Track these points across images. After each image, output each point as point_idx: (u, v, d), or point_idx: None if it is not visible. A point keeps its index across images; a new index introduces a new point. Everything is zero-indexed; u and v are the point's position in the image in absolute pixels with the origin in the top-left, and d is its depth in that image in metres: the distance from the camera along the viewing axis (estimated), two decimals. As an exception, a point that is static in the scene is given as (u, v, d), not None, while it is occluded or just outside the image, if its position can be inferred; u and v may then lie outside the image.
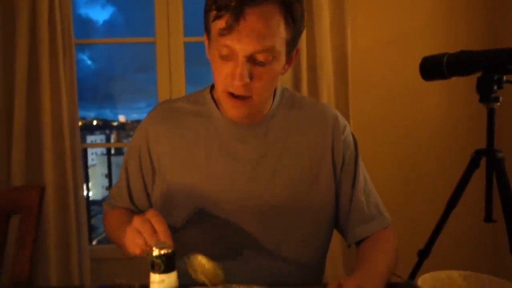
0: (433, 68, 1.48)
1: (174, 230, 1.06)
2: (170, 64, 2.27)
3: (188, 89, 2.33)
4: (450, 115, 2.24)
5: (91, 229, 4.74)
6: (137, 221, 0.82)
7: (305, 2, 1.12)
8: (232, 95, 0.93)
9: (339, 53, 2.13)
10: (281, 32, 0.90)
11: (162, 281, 0.64)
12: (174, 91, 2.28)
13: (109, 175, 4.65)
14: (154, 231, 0.80)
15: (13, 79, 2.04)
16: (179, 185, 1.03)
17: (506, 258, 1.35)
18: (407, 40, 2.21)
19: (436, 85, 1.88)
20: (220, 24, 0.87)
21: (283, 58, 0.95)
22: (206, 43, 0.99)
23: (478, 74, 1.39)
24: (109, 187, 2.18)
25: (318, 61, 2.09)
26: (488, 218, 1.45)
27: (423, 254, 1.56)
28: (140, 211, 1.13)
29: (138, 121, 1.28)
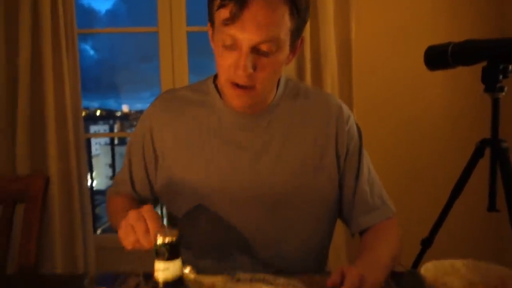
0: (438, 57, 1.48)
1: (177, 219, 1.08)
2: (173, 54, 2.26)
3: (191, 79, 2.32)
4: (454, 105, 2.23)
5: (96, 218, 4.77)
6: (132, 216, 0.82)
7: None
8: (236, 85, 0.93)
9: (343, 43, 2.12)
10: (286, 22, 0.90)
11: (167, 268, 0.65)
12: (177, 81, 2.27)
13: (112, 165, 4.66)
14: (147, 230, 0.79)
15: (16, 70, 2.04)
16: (182, 174, 1.03)
17: (509, 247, 1.36)
18: (411, 30, 2.19)
19: (440, 75, 1.87)
20: (224, 13, 0.87)
21: (287, 48, 0.94)
22: (210, 32, 0.98)
23: (483, 64, 1.39)
24: (113, 176, 2.18)
25: (322, 51, 2.08)
26: (492, 207, 1.46)
27: (427, 243, 1.57)
28: (142, 199, 1.16)
29: (141, 111, 1.28)
